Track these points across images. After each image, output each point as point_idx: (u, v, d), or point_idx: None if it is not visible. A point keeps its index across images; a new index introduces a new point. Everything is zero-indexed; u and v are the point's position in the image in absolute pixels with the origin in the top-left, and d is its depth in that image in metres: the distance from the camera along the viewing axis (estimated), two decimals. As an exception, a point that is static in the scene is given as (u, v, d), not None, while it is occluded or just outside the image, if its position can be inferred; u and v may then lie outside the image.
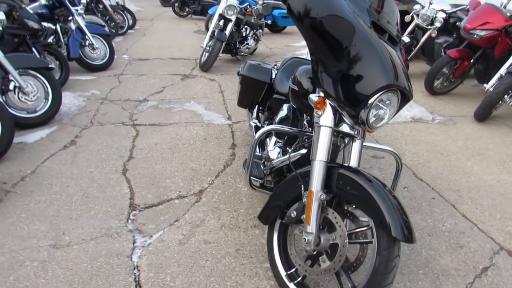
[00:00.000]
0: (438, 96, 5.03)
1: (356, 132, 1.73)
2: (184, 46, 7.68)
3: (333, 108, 1.67)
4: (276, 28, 10.30)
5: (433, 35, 5.37)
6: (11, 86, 3.59)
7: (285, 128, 1.94)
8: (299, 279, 1.78)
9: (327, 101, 1.66)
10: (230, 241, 2.21)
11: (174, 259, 2.06)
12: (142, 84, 5.33)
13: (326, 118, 1.67)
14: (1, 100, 3.36)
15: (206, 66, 5.85)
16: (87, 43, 5.71)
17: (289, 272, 1.81)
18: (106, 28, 7.38)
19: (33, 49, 4.60)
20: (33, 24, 4.53)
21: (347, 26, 1.52)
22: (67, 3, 5.47)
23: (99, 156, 3.22)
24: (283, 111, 2.37)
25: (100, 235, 2.25)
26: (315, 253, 1.72)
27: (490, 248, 2.19)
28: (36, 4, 5.54)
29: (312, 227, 1.63)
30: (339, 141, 1.85)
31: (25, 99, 3.71)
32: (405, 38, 5.58)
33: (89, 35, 5.65)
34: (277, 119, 2.40)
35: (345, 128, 1.71)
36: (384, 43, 1.60)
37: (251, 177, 2.13)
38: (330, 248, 1.66)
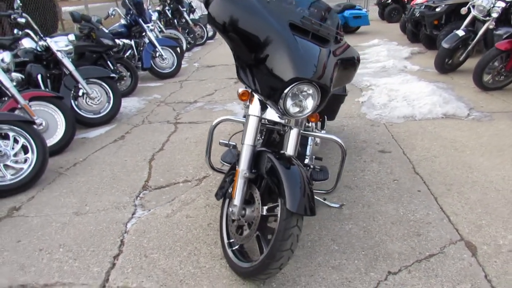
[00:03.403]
0: (490, 92, 4.71)
1: (286, 121, 1.98)
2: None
3: (260, 100, 1.94)
4: (348, 29, 10.28)
5: (491, 26, 5.03)
6: (80, 93, 4.44)
7: (235, 118, 2.25)
8: (236, 247, 2.07)
9: (255, 94, 1.94)
10: (207, 217, 2.57)
11: (156, 227, 2.50)
12: (199, 88, 5.96)
13: (253, 108, 1.96)
14: (67, 104, 4.18)
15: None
16: (157, 55, 6.56)
17: (230, 241, 2.11)
18: (184, 41, 8.28)
19: (108, 62, 5.52)
20: (108, 42, 5.45)
21: (260, 26, 1.78)
22: (141, 21, 6.37)
23: (137, 148, 3.84)
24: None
25: (111, 207, 2.80)
26: (246, 223, 2.00)
27: (448, 239, 2.19)
28: (117, 24, 6.57)
29: (236, 200, 1.92)
30: (282, 130, 2.11)
31: (91, 103, 4.54)
32: (460, 32, 5.31)
33: (159, 47, 6.48)
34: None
35: (274, 117, 1.97)
36: (303, 40, 1.82)
37: (222, 161, 2.49)
38: (254, 219, 1.93)
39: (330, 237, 2.26)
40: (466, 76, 5.33)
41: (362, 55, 7.64)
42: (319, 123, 2.96)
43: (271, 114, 1.97)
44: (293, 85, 1.72)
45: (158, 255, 2.22)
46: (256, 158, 1.97)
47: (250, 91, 1.97)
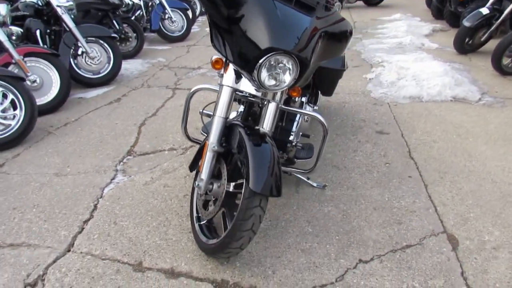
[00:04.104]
0: (508, 76, 4.42)
1: (263, 94, 1.84)
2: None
3: (235, 70, 1.81)
4: (372, 1, 9.82)
5: (518, 5, 4.66)
6: (79, 51, 4.34)
7: (209, 86, 2.11)
8: (204, 221, 1.99)
9: (231, 64, 1.80)
10: (185, 188, 2.50)
11: (131, 194, 2.44)
12: (206, 54, 5.80)
13: (227, 78, 1.83)
14: (65, 62, 4.09)
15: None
16: (166, 17, 6.37)
17: (198, 215, 2.03)
18: (198, 4, 8.03)
19: (114, 21, 5.38)
20: (114, 0, 5.28)
21: None
22: (151, -20, 6.16)
23: (130, 112, 3.76)
24: None
25: (92, 170, 2.75)
26: (214, 199, 1.90)
27: (430, 230, 2.06)
28: (126, -18, 6.37)
29: (203, 174, 1.82)
30: (260, 103, 1.98)
31: (90, 62, 4.45)
32: (484, 10, 4.96)
33: (168, 9, 6.29)
34: None
35: (250, 89, 1.84)
36: (285, 6, 1.65)
37: (202, 132, 2.38)
38: (220, 195, 1.83)
39: (306, 218, 2.16)
40: (486, 58, 5.01)
41: (381, 29, 7.30)
42: (312, 98, 2.80)
43: (247, 86, 1.83)
44: (269, 55, 1.57)
45: (127, 223, 2.17)
46: (228, 131, 1.86)
47: (224, 59, 1.82)
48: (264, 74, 1.62)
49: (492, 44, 4.85)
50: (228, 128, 1.86)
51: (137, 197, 2.40)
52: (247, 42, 1.60)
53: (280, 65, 1.64)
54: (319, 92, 2.98)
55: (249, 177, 1.58)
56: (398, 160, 2.76)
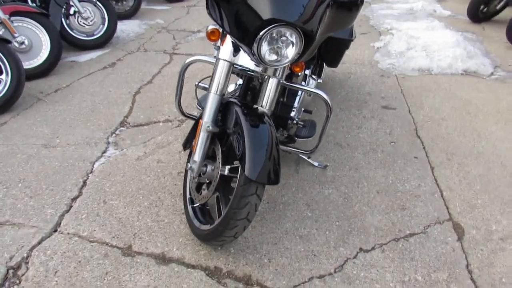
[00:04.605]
0: (524, 49, 4.20)
1: (263, 69, 1.68)
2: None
3: (233, 42, 1.63)
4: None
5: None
6: (71, 11, 4.10)
7: (205, 58, 1.94)
8: (197, 204, 1.88)
9: (228, 35, 1.63)
10: (179, 165, 2.37)
11: (123, 170, 2.32)
12: (206, 16, 5.47)
13: (224, 51, 1.66)
14: (56, 22, 3.86)
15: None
16: (164, -26, 6.02)
17: (191, 196, 1.91)
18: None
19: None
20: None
21: None
22: None
23: (125, 78, 3.58)
24: None
25: (83, 142, 2.61)
26: (208, 182, 1.78)
27: (435, 217, 1.96)
28: None
29: (197, 155, 1.69)
30: (260, 78, 1.82)
31: (83, 23, 4.21)
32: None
33: (166, -34, 5.92)
34: None
35: (249, 64, 1.67)
36: None
37: (198, 106, 2.22)
38: (214, 179, 1.71)
39: (306, 201, 2.05)
40: (500, 28, 4.75)
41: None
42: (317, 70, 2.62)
43: (246, 60, 1.67)
44: (270, 27, 1.40)
45: (117, 202, 2.06)
46: (224, 109, 1.71)
47: (221, 30, 1.64)
48: (264, 48, 1.46)
49: (508, 13, 4.58)
50: (224, 106, 1.71)
51: (128, 173, 2.29)
52: (247, 11, 1.42)
53: (283, 38, 1.47)
54: (324, 64, 2.78)
55: (245, 162, 1.45)
56: (404, 139, 2.62)
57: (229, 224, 1.53)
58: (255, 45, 1.44)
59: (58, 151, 2.52)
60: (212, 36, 1.66)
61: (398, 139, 2.61)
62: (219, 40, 1.68)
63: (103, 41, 4.35)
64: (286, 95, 2.20)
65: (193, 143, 1.76)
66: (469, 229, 1.88)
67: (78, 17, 4.16)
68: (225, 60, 1.65)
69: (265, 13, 1.38)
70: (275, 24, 1.39)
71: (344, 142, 2.58)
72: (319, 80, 2.62)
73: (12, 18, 3.44)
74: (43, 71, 3.61)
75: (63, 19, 4.08)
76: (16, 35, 3.43)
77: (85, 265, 1.70)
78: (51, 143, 2.60)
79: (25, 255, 1.76)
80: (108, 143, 2.61)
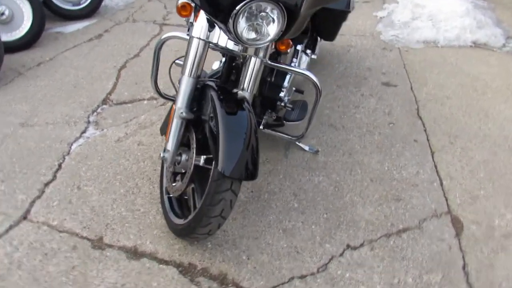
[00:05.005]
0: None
1: (242, 49, 1.49)
2: None
3: (208, 17, 1.44)
4: None
5: None
6: (55, -22, 3.84)
7: (181, 35, 1.75)
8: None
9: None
10: (160, 147, 2.23)
11: (101, 153, 2.18)
12: (201, -17, 5.21)
13: (197, 28, 1.47)
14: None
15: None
16: None
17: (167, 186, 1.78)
18: None
19: None
20: None
21: None
22: None
23: (111, 51, 3.38)
24: None
25: (61, 121, 2.46)
26: (183, 171, 1.64)
27: (433, 209, 1.81)
28: None
29: (170, 144, 1.54)
30: (242, 58, 1.63)
31: (69, -9, 3.96)
32: None
33: None
34: None
35: (227, 42, 1.49)
36: None
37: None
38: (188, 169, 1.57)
39: (293, 190, 1.91)
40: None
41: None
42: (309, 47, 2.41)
43: (223, 38, 1.48)
44: (247, 1, 1.21)
45: (92, 189, 1.93)
46: (200, 93, 1.54)
47: (193, 4, 1.45)
48: (242, 25, 1.28)
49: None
50: (200, 90, 1.54)
51: (106, 157, 2.15)
52: None
53: (262, 14, 1.28)
54: (319, 37, 2.57)
55: (218, 155, 1.30)
56: (404, 120, 2.44)
57: (202, 221, 1.40)
58: (230, 21, 1.25)
59: (35, 130, 2.38)
60: (183, 11, 1.49)
61: (398, 120, 2.43)
62: (192, 15, 1.49)
63: (90, 11, 4.11)
64: (274, 74, 2.02)
65: (167, 130, 1.60)
66: (468, 224, 1.74)
67: (63, -16, 3.91)
68: (199, 38, 1.46)
69: None
70: None
71: (339, 123, 2.41)
72: (313, 56, 2.42)
73: (-10, -14, 3.22)
74: (26, 43, 3.42)
75: (47, -13, 3.84)
76: (-6, 4, 3.21)
77: (51, 258, 1.59)
78: (29, 122, 2.46)
79: (-10, 245, 1.65)
80: (89, 122, 2.46)
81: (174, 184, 1.63)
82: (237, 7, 1.22)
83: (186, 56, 1.50)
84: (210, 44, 1.50)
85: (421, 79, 2.90)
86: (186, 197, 1.76)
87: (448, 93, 2.73)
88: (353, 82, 2.86)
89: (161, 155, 1.56)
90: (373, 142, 2.24)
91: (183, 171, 1.62)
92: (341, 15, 2.50)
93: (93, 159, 2.13)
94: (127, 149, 2.21)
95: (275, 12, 1.26)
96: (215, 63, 2.16)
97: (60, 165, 2.10)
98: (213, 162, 1.36)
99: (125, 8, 4.39)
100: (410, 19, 3.81)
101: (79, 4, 4.05)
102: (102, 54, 3.33)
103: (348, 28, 3.70)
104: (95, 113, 2.55)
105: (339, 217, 1.77)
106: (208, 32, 1.47)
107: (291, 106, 1.96)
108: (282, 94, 2.01)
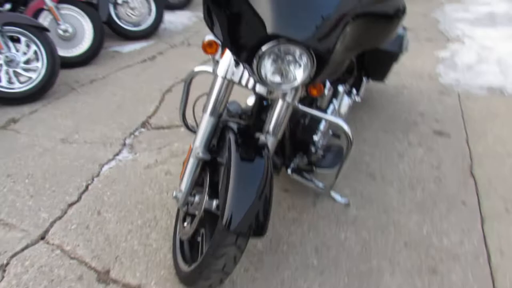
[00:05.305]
0: None
1: (267, 91, 1.40)
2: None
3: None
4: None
5: None
6: (119, 0, 4.05)
7: (209, 69, 1.69)
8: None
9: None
10: (187, 178, 2.17)
11: (128, 178, 2.17)
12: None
13: (222, 65, 1.41)
14: (104, 10, 3.81)
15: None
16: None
17: (183, 223, 1.70)
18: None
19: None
20: None
21: None
22: None
23: (160, 74, 3.46)
24: None
25: (99, 141, 2.51)
26: (190, 215, 1.56)
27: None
28: None
29: (183, 184, 1.48)
30: (269, 98, 1.55)
31: (131, 13, 4.15)
32: None
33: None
34: None
35: (251, 82, 1.41)
36: None
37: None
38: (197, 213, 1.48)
39: (315, 244, 1.75)
40: None
41: None
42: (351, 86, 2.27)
43: (248, 78, 1.40)
44: (274, 44, 1.12)
45: (111, 215, 1.91)
46: (221, 133, 1.46)
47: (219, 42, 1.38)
48: (267, 67, 1.18)
49: None
50: (221, 130, 1.47)
51: (132, 183, 2.13)
52: (247, 18, 1.16)
53: (289, 57, 1.18)
54: (364, 79, 2.42)
55: (225, 206, 1.20)
56: (454, 177, 2.20)
57: (203, 273, 1.30)
58: (254, 62, 1.16)
59: (73, 148, 2.44)
60: (209, 48, 1.42)
61: (446, 176, 2.19)
62: (218, 52, 1.43)
63: (149, 33, 4.27)
64: (309, 115, 1.90)
65: (182, 167, 1.53)
66: (515, 315, 1.47)
67: (126, 7, 4.10)
68: (223, 77, 1.39)
69: (269, 25, 1.10)
70: (279, 42, 1.11)
71: (378, 173, 2.22)
72: (357, 99, 2.27)
73: (60, 6, 3.43)
74: (84, 60, 3.60)
75: (112, 8, 4.05)
76: (60, 22, 3.43)
77: (56, 285, 1.56)
78: (69, 138, 2.53)
79: (5, 262, 1.67)
80: (124, 144, 2.48)
81: (184, 226, 1.55)
82: (263, 48, 1.13)
83: (209, 94, 1.43)
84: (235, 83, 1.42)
85: (480, 131, 2.62)
86: (199, 241, 1.67)
87: (510, 150, 2.43)
88: (401, 127, 2.65)
89: (174, 194, 1.49)
90: (413, 199, 2.03)
91: (196, 212, 1.54)
92: (392, 57, 2.35)
93: (119, 184, 2.12)
94: (154, 177, 2.18)
95: (304, 57, 1.16)
96: (250, 98, 2.08)
97: (87, 187, 2.11)
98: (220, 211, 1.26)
99: (182, 32, 4.51)
100: (475, 62, 3.53)
101: (139, 25, 4.22)
102: (151, 76, 3.40)
103: (404, 67, 3.49)
104: (132, 136, 2.57)
105: (361, 284, 1.58)
106: (234, 70, 1.39)
107: (322, 152, 1.82)
108: (316, 138, 1.88)
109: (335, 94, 2.11)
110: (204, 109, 1.44)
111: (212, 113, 1.42)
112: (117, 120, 2.74)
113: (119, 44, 4.07)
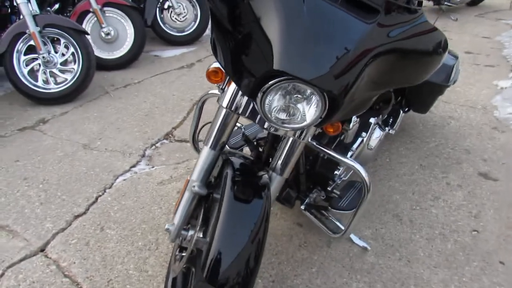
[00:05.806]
0: None
1: (273, 128, 1.26)
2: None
3: None
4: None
5: None
6: (165, 5, 4.06)
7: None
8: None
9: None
10: (198, 200, 2.06)
11: (139, 194, 2.10)
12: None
13: (227, 97, 1.28)
14: (149, 14, 3.82)
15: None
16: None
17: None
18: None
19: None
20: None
21: None
22: None
23: (194, 83, 3.40)
24: None
25: (119, 150, 2.48)
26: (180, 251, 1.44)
27: None
28: None
29: (176, 217, 1.36)
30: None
31: (175, 18, 4.15)
32: None
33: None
34: None
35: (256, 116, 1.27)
36: (328, 5, 1.02)
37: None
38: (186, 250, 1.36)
39: (321, 294, 1.57)
40: None
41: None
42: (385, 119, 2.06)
43: (253, 111, 1.26)
44: (281, 80, 0.98)
45: (113, 233, 1.84)
46: (222, 166, 1.34)
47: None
48: (274, 103, 1.04)
49: None
50: (222, 163, 1.34)
51: (142, 199, 2.06)
52: (250, 49, 1.03)
53: (298, 96, 1.04)
54: (402, 111, 2.19)
55: (208, 252, 1.07)
56: (494, 230, 1.92)
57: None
58: (259, 96, 1.03)
59: (92, 155, 2.42)
60: (213, 76, 1.30)
61: (485, 229, 1.92)
62: (224, 82, 1.30)
63: (192, 39, 4.26)
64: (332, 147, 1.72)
65: (177, 199, 1.42)
66: None
67: (171, 12, 4.10)
68: (227, 108, 1.26)
69: (277, 59, 0.96)
70: (288, 78, 0.97)
71: (406, 216, 1.99)
72: (390, 131, 2.05)
73: (104, 9, 3.48)
74: (123, 63, 3.63)
75: (158, 13, 4.07)
76: (103, 25, 3.47)
77: (42, 306, 1.50)
78: (91, 144, 2.52)
79: (0, 272, 1.64)
80: (143, 156, 2.43)
81: (175, 261, 1.43)
82: (269, 82, 0.99)
83: (211, 125, 1.31)
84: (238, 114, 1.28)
85: None
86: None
87: None
88: (441, 164, 2.39)
89: (166, 226, 1.38)
90: (443, 252, 1.78)
91: (191, 247, 1.41)
92: (437, 89, 2.11)
93: (129, 199, 2.06)
94: (165, 195, 2.09)
95: (314, 98, 1.00)
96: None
97: (97, 198, 2.06)
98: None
99: (224, 40, 4.44)
100: (538, 95, 3.15)
101: (183, 31, 4.21)
102: (185, 84, 3.36)
103: (456, 95, 3.19)
104: (153, 147, 2.51)
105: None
106: (240, 101, 1.26)
107: (338, 192, 1.64)
108: (337, 172, 1.70)
109: (364, 125, 1.91)
110: (205, 141, 1.32)
111: (212, 146, 1.30)
112: (142, 129, 2.69)
113: (160, 49, 4.08)
